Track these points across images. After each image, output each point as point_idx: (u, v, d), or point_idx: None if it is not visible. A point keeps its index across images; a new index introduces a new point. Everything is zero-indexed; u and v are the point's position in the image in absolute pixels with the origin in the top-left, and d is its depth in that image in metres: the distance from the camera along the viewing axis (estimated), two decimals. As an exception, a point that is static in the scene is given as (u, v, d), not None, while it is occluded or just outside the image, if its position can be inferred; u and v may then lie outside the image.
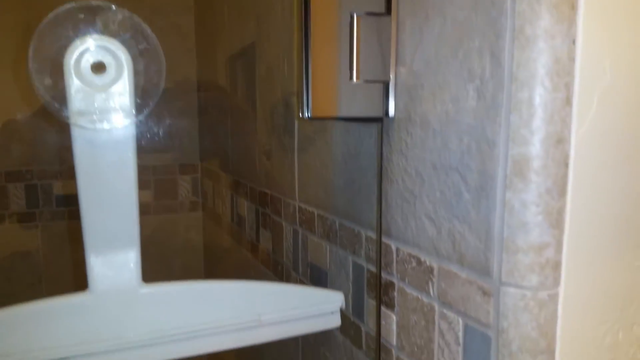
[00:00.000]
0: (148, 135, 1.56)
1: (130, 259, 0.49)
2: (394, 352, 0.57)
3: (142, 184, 1.58)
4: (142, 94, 0.48)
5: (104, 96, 0.47)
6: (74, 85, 0.46)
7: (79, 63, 0.46)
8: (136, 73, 0.47)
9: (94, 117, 0.47)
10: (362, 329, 0.64)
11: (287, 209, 0.88)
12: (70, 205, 1.51)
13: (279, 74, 0.88)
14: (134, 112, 0.48)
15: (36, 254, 1.50)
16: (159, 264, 1.58)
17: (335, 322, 0.61)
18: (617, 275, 0.42)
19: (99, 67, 0.47)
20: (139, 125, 0.50)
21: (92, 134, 0.47)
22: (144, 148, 1.55)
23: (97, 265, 0.48)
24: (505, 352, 0.41)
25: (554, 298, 0.40)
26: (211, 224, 1.55)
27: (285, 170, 0.88)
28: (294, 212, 0.85)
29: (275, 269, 0.96)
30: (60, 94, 0.47)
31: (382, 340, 0.60)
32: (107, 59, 0.47)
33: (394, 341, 0.57)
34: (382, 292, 0.59)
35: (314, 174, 0.77)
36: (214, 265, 1.56)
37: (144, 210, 1.58)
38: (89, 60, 0.47)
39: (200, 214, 1.64)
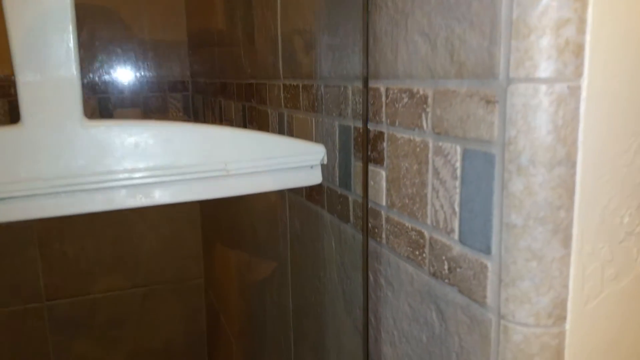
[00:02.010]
0: (136, 54, 1.47)
1: (68, 89, 0.41)
2: (383, 213, 0.50)
3: (131, 102, 1.49)
4: None
5: None
6: None
7: None
8: None
9: None
10: (350, 198, 0.57)
11: (272, 93, 0.79)
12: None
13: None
14: None
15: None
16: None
17: (314, 178, 0.53)
18: (655, 71, 0.34)
19: None
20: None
21: None
22: (132, 66, 1.46)
23: (30, 92, 0.40)
24: (513, 169, 0.33)
25: (575, 92, 0.32)
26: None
27: (269, 50, 0.79)
28: (278, 93, 0.76)
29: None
30: None
31: (370, 203, 0.52)
32: None
33: (383, 201, 0.50)
34: (371, 148, 0.51)
35: (298, 42, 0.68)
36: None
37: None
38: None
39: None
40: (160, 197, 0.44)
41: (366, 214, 0.52)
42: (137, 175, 0.43)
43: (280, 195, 0.80)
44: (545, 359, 0.35)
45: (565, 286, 0.34)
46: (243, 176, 0.47)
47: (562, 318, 0.34)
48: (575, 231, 0.33)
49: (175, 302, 1.65)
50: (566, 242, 0.33)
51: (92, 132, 0.42)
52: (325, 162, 0.55)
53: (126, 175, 0.43)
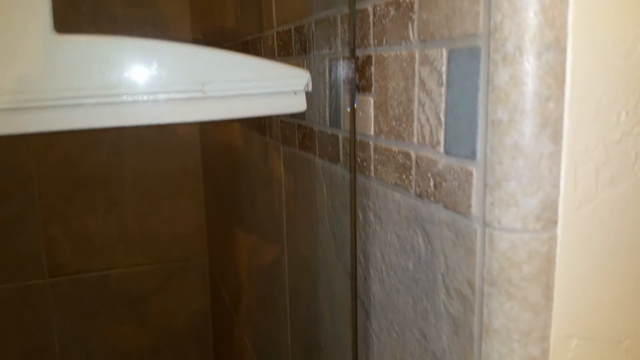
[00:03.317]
0: (137, 25, 1.45)
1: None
2: (371, 143, 0.48)
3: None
4: None
5: None
6: None
7: None
8: None
9: None
10: (340, 136, 0.54)
11: (266, 45, 0.77)
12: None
13: None
14: None
15: (25, 150, 1.43)
16: (156, 164, 1.50)
17: (298, 105, 0.51)
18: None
19: None
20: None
21: None
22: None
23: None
24: (499, 58, 0.31)
25: (565, -32, 0.29)
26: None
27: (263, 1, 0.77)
28: (272, 43, 0.74)
29: (258, 123, 0.86)
30: None
31: (359, 136, 0.50)
32: None
33: (371, 130, 0.47)
34: (359, 76, 0.49)
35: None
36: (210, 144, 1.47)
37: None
38: None
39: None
40: (133, 117, 0.42)
41: (354, 145, 0.49)
42: (109, 93, 0.41)
43: (276, 152, 0.78)
44: (535, 268, 0.32)
45: (556, 187, 0.32)
46: (222, 99, 0.44)
47: (552, 222, 0.32)
48: (566, 125, 0.31)
49: (179, 280, 1.63)
50: (556, 137, 0.31)
51: (63, 46, 0.40)
52: (310, 89, 0.53)
53: (97, 92, 0.41)
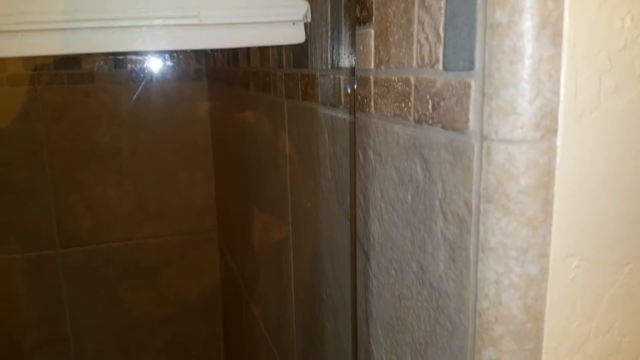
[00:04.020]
0: None
1: None
2: (371, 77, 0.47)
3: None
4: None
5: None
6: None
7: None
8: None
9: None
10: (341, 78, 0.53)
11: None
12: (69, 68, 1.44)
13: None
14: None
15: (36, 120, 1.44)
16: (165, 136, 1.50)
17: (297, 36, 0.50)
18: None
19: None
20: None
21: None
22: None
23: None
24: (497, -43, 0.29)
25: None
26: (216, 90, 1.46)
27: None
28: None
29: (263, 82, 0.85)
30: None
31: (359, 72, 0.49)
32: None
33: (372, 63, 0.46)
34: (360, 8, 0.47)
35: None
36: (219, 131, 1.47)
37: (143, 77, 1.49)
38: None
39: (204, 84, 1.54)
40: (130, 43, 0.41)
41: (354, 77, 0.48)
42: (105, 17, 0.41)
43: (280, 109, 0.77)
44: (533, 180, 0.31)
45: (556, 93, 0.30)
46: (218, 27, 0.43)
47: (552, 131, 0.31)
48: (566, 27, 0.29)
49: (190, 253, 1.64)
50: (556, 38, 0.29)
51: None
52: (308, 19, 0.51)
53: (94, 16, 0.40)
